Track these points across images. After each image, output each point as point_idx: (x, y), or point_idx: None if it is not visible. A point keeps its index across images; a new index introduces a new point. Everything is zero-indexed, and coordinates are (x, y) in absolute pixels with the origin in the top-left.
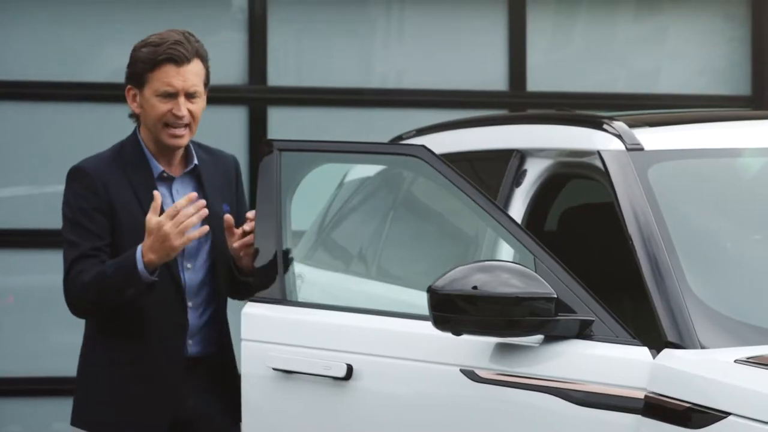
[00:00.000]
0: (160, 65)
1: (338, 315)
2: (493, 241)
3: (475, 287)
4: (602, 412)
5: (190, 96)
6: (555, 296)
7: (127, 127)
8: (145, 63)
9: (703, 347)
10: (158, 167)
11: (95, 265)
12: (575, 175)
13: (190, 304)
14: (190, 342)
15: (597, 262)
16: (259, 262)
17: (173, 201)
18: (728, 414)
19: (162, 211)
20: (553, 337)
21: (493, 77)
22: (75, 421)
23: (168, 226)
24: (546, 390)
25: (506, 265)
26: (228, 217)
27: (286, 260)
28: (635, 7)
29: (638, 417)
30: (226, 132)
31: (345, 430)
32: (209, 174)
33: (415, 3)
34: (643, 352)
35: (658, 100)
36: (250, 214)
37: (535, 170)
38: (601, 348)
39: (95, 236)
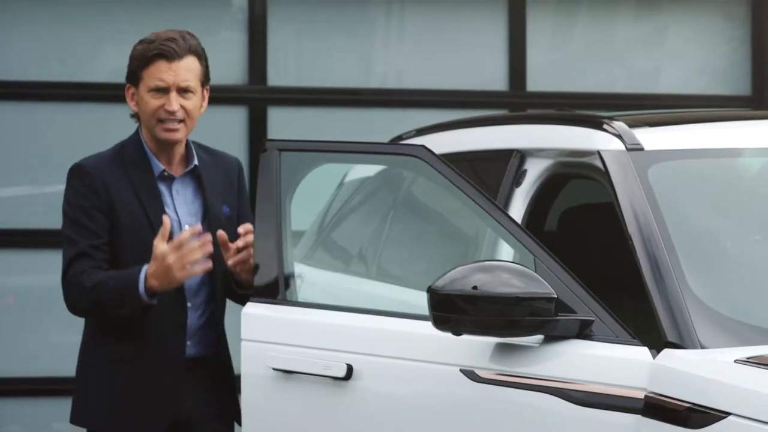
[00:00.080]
0: (152, 61)
1: (338, 315)
2: (493, 241)
3: (475, 287)
4: (602, 412)
5: (182, 91)
6: (555, 296)
7: (127, 127)
8: (139, 60)
9: (703, 347)
10: (159, 166)
11: (96, 267)
12: (575, 175)
13: (189, 304)
14: (188, 343)
15: (597, 262)
16: (259, 262)
17: (173, 201)
18: (728, 414)
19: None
20: (553, 337)
21: (493, 77)
22: (74, 420)
23: (171, 259)
24: (546, 390)
25: (506, 265)
26: (221, 233)
27: (286, 260)
28: (635, 7)
29: (638, 417)
30: (226, 132)
31: (345, 430)
32: (210, 175)
33: (415, 3)
34: (643, 352)
35: (658, 100)
36: (242, 229)
37: (535, 170)
38: (601, 348)
39: (94, 234)
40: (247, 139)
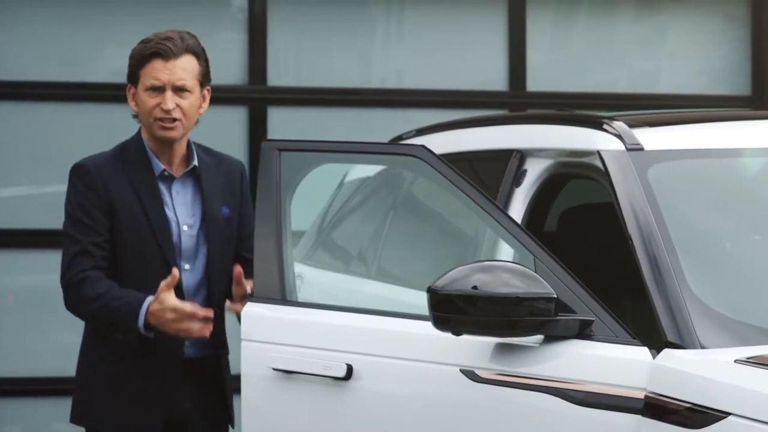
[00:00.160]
0: (148, 60)
1: (338, 315)
2: (493, 241)
3: (475, 287)
4: (602, 412)
5: (178, 90)
6: (555, 296)
7: (127, 127)
8: (137, 59)
9: (703, 347)
10: (159, 166)
11: (96, 267)
12: (575, 175)
13: None
14: (186, 343)
15: (597, 262)
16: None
17: (172, 200)
18: (728, 414)
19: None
20: (553, 337)
21: (493, 77)
22: (74, 419)
23: (169, 317)
24: (546, 390)
25: (506, 265)
26: (238, 270)
27: (286, 260)
28: (635, 7)
29: (638, 417)
30: (226, 132)
31: (345, 430)
32: (210, 176)
33: (415, 3)
34: (643, 352)
35: (658, 100)
36: (237, 273)
37: (535, 170)
38: (601, 348)
39: (95, 232)
40: (247, 139)
